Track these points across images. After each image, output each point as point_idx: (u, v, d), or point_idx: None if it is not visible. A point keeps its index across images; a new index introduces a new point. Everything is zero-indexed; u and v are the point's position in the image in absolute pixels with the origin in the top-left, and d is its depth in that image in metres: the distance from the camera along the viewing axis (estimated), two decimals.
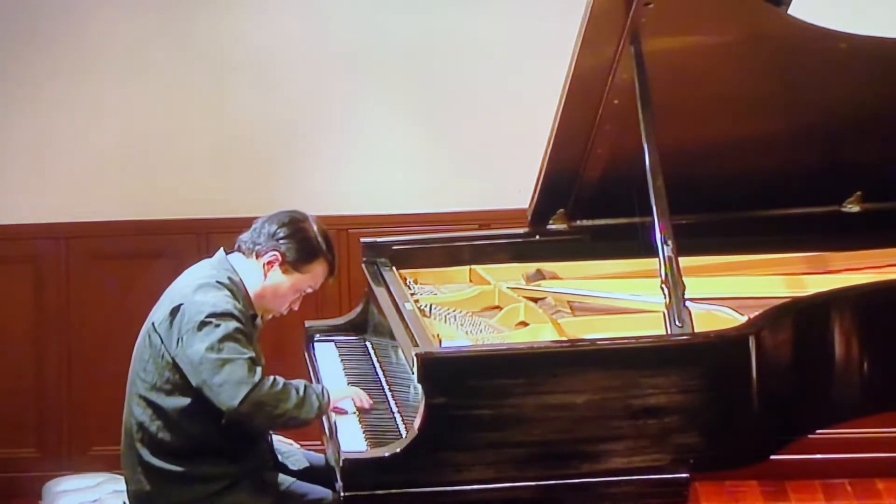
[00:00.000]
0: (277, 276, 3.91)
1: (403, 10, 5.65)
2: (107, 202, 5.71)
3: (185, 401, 3.79)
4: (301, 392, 3.76)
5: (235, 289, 3.87)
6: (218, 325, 3.73)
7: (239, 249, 3.97)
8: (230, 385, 3.68)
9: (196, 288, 3.84)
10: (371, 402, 3.94)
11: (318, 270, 3.95)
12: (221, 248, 4.00)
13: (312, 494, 3.90)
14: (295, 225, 3.92)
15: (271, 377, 3.75)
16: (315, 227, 3.95)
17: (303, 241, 3.91)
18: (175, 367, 3.78)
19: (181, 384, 3.79)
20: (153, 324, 3.86)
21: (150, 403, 3.83)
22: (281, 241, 3.89)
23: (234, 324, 3.75)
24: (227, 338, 3.72)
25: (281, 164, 5.69)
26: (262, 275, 3.91)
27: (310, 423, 3.81)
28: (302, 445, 4.24)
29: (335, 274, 4.02)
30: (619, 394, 3.44)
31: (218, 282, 3.85)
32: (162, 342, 3.81)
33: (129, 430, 3.89)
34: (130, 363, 3.94)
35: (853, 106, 4.24)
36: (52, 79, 5.69)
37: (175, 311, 3.80)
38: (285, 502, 3.88)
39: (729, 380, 3.52)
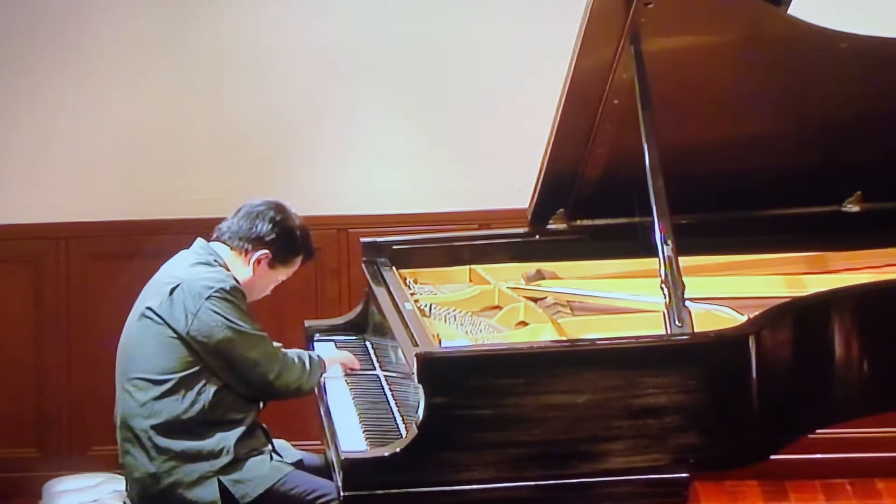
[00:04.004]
0: (265, 271, 4.12)
1: (402, 9, 5.66)
2: (107, 202, 5.72)
3: (189, 372, 3.92)
4: (308, 365, 4.07)
5: (225, 270, 4.04)
6: (232, 302, 3.95)
7: (219, 239, 4.12)
8: (266, 361, 3.97)
9: (189, 267, 4.02)
10: (359, 364, 4.25)
11: (297, 262, 4.19)
12: (199, 238, 4.14)
13: (312, 484, 3.94)
14: (283, 225, 4.11)
15: (289, 354, 4.05)
16: (296, 222, 4.15)
17: (290, 240, 4.13)
18: (181, 341, 3.92)
19: (186, 357, 3.92)
20: (149, 308, 3.97)
21: (155, 382, 3.93)
22: (269, 241, 4.08)
23: (244, 303, 3.98)
24: (247, 316, 3.96)
25: (281, 163, 5.69)
26: (250, 270, 4.09)
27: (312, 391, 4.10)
28: (300, 446, 4.26)
29: (312, 259, 4.25)
30: (619, 394, 3.43)
31: (208, 262, 4.03)
32: (164, 322, 3.93)
33: (126, 419, 3.98)
34: (118, 354, 4.05)
35: (853, 106, 4.24)
36: (51, 79, 5.69)
37: (174, 290, 3.95)
38: (286, 485, 3.92)
39: (729, 380, 3.52)
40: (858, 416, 3.93)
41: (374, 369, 4.22)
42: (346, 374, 4.23)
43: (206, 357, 3.93)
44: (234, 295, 3.96)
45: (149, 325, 3.96)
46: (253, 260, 4.07)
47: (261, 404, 4.07)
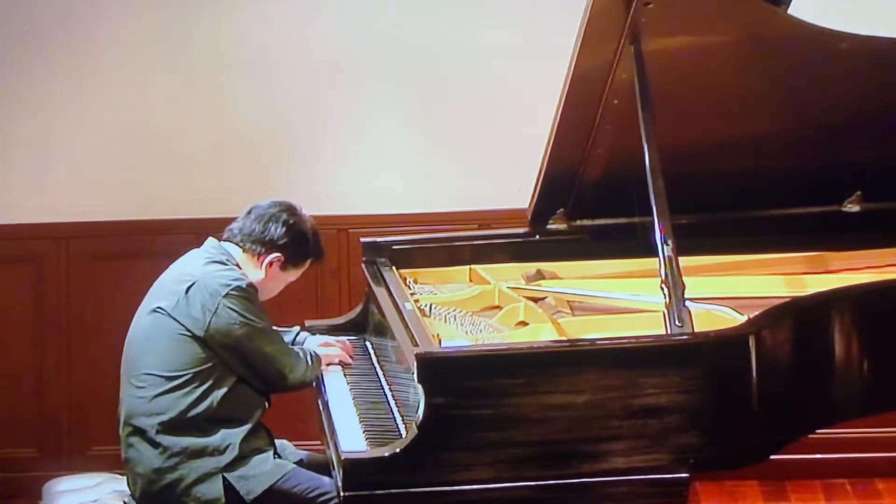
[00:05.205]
0: (276, 273, 4.14)
1: (402, 10, 5.66)
2: (107, 202, 5.72)
3: (199, 369, 3.94)
4: (310, 360, 4.13)
5: (238, 269, 4.07)
6: (249, 300, 3.98)
7: (231, 241, 4.13)
8: (282, 357, 4.05)
9: (203, 265, 4.04)
10: (350, 359, 4.31)
11: (308, 264, 4.21)
12: (210, 237, 4.15)
13: (314, 481, 3.94)
14: (296, 228, 4.12)
15: (295, 351, 4.11)
16: (308, 225, 4.17)
17: (303, 244, 4.14)
18: (195, 339, 3.94)
19: (198, 355, 3.94)
20: (161, 306, 3.98)
21: (164, 378, 3.94)
22: (282, 244, 4.10)
23: (258, 300, 4.02)
24: (262, 313, 4.01)
25: (281, 163, 5.69)
26: (262, 272, 4.11)
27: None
28: (301, 446, 4.27)
29: (322, 260, 4.29)
30: (619, 394, 3.43)
31: (221, 261, 4.05)
32: (177, 320, 3.95)
33: (131, 414, 3.99)
34: (125, 350, 4.05)
35: (853, 106, 4.23)
36: (51, 79, 5.70)
37: (190, 288, 3.97)
38: (288, 482, 3.93)
39: (729, 380, 3.52)
40: (858, 416, 3.93)
41: (374, 368, 4.23)
42: (343, 369, 4.25)
43: (223, 353, 3.95)
44: (249, 293, 3.99)
45: (160, 323, 3.98)
46: (265, 263, 4.10)
47: (266, 404, 4.07)
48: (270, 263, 4.10)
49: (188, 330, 3.94)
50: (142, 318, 4.05)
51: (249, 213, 4.14)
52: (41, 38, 5.67)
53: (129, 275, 5.25)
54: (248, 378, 4.00)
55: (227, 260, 4.06)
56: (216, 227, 4.20)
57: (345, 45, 5.67)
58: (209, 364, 3.94)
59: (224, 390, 3.94)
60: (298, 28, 5.67)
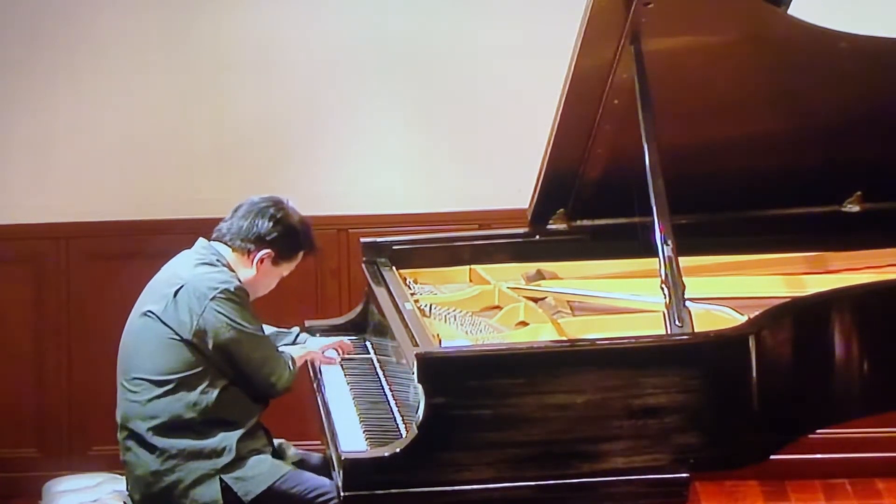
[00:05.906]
0: (269, 269, 4.11)
1: (403, 9, 5.66)
2: (107, 202, 5.72)
3: (190, 373, 3.92)
4: (291, 367, 4.08)
5: (228, 270, 4.04)
6: (237, 303, 3.95)
7: (220, 240, 4.11)
8: (271, 362, 4.01)
9: (193, 267, 4.01)
10: (330, 357, 4.28)
11: (300, 256, 4.17)
12: (201, 238, 4.13)
13: (313, 482, 3.94)
14: (283, 222, 4.09)
15: (283, 357, 4.07)
16: (296, 218, 4.13)
17: (292, 238, 4.11)
18: (184, 343, 3.92)
19: (188, 359, 3.92)
20: (150, 311, 3.98)
21: (155, 383, 3.93)
22: (271, 240, 4.07)
23: (248, 303, 3.99)
24: (252, 317, 3.98)
25: (281, 163, 5.69)
26: (253, 269, 4.08)
27: None
28: (301, 446, 4.26)
29: (315, 252, 4.23)
30: (619, 394, 3.43)
31: (211, 262, 4.02)
32: (166, 324, 3.93)
33: (126, 418, 3.99)
34: (119, 353, 4.05)
35: (853, 106, 4.23)
36: (51, 79, 5.70)
37: (178, 291, 3.95)
38: (287, 483, 3.93)
39: (729, 380, 3.52)
40: (858, 417, 3.93)
41: (374, 368, 4.23)
42: (344, 369, 4.24)
43: (213, 356, 3.93)
44: (238, 295, 3.96)
45: (150, 326, 3.97)
46: (256, 259, 4.07)
47: (264, 405, 4.06)
48: (261, 260, 4.07)
49: (176, 334, 3.93)
50: (134, 322, 4.05)
51: (237, 210, 4.13)
52: (41, 38, 5.67)
53: (128, 275, 5.23)
54: (238, 382, 3.99)
55: (218, 261, 4.03)
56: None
57: (345, 45, 5.67)
58: (200, 367, 3.92)
59: (218, 392, 3.93)
60: (298, 28, 5.67)
